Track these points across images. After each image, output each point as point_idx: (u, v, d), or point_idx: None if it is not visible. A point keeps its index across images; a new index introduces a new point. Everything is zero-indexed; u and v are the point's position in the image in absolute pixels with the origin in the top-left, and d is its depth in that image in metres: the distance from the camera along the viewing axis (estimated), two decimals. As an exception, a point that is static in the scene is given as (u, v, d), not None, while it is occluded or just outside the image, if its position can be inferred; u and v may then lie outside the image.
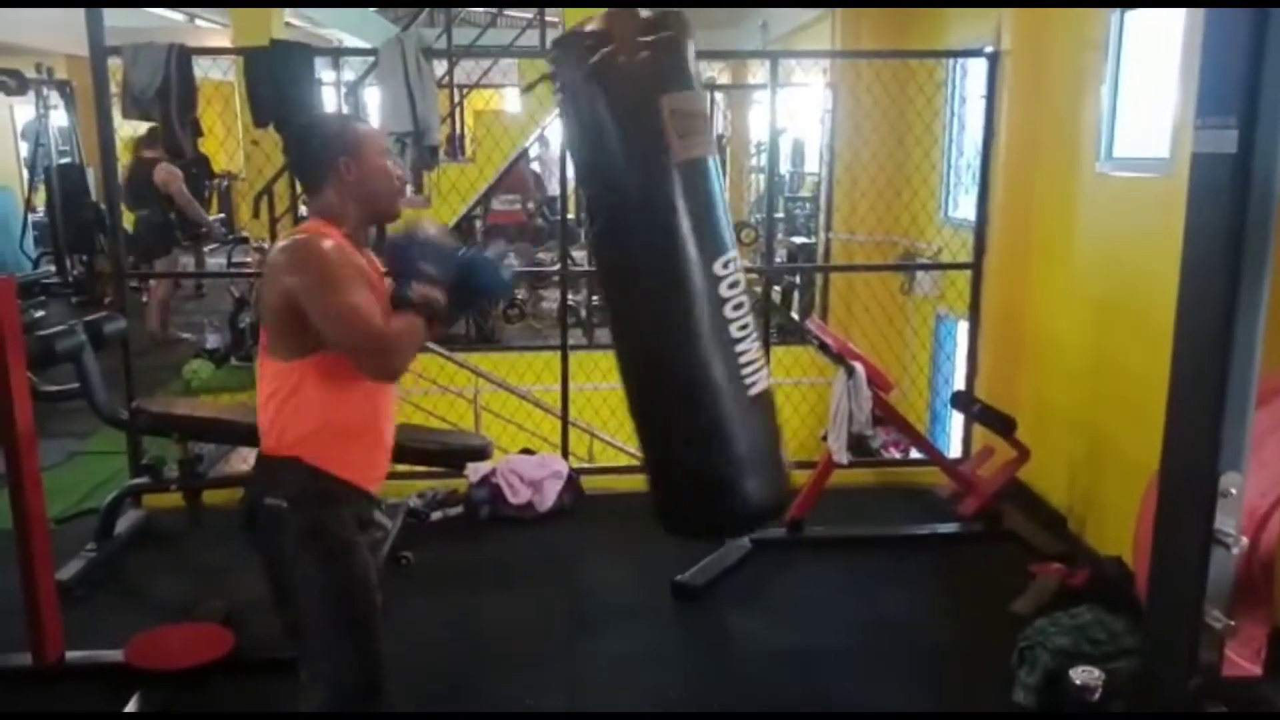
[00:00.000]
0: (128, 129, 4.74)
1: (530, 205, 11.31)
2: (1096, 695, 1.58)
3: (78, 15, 4.33)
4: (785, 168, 11.33)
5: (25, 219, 10.85)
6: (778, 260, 8.25)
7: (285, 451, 2.12)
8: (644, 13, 2.31)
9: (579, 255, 7.67)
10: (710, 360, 2.33)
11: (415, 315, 2.03)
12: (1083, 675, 1.58)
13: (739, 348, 2.30)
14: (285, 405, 2.11)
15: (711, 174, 2.36)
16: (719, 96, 11.40)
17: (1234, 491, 1.47)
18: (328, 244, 2.05)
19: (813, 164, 10.46)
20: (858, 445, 4.25)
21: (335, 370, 2.08)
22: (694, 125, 2.28)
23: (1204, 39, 1.47)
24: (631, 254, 2.38)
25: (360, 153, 2.14)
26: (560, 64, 2.36)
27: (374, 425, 2.22)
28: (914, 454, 5.13)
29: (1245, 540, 1.50)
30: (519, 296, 9.13)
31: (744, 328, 2.32)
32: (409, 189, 7.67)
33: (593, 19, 2.33)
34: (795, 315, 8.42)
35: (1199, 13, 3.26)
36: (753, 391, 2.32)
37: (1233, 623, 1.49)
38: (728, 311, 2.26)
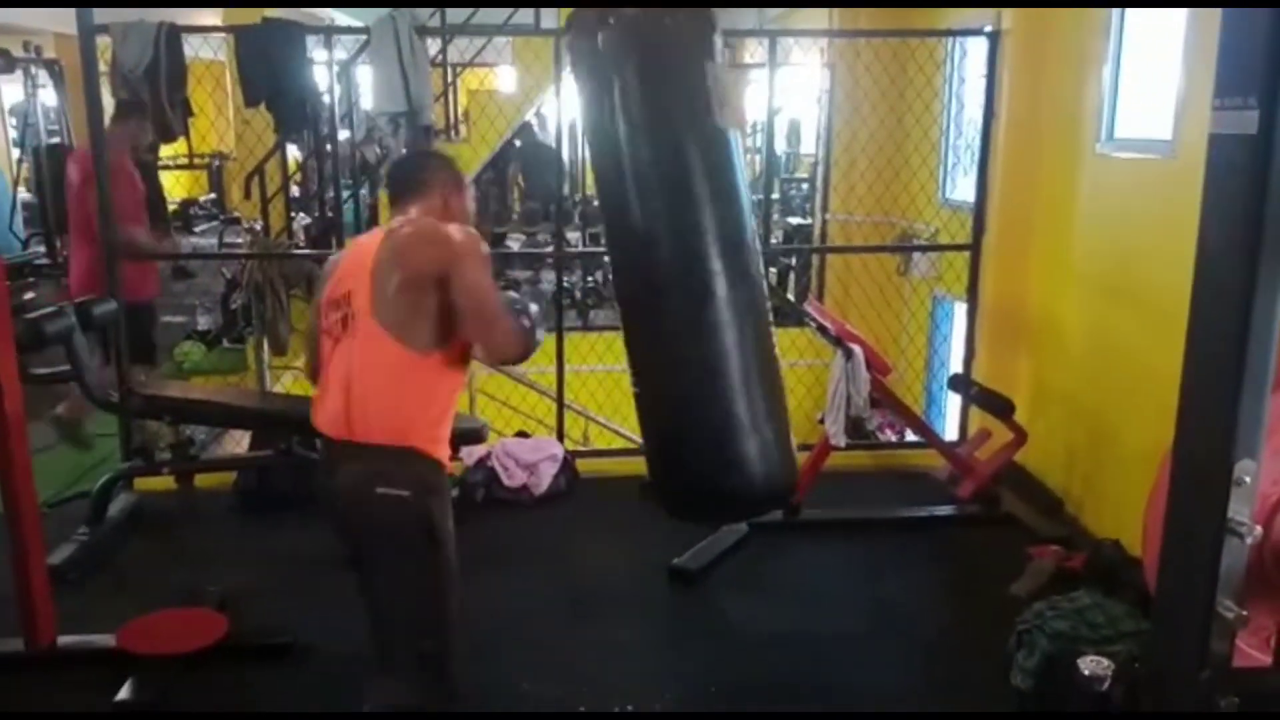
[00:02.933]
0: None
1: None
2: (1105, 685, 1.56)
3: (66, -8, 4.26)
4: (782, 148, 11.28)
5: (14, 200, 10.74)
6: (774, 241, 8.21)
7: (405, 441, 2.17)
8: None
9: (573, 236, 7.62)
10: None
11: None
12: (1091, 665, 1.57)
13: None
14: (413, 395, 2.17)
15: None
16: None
17: (1248, 480, 1.45)
18: (475, 234, 2.24)
19: (809, 145, 10.40)
20: (854, 428, 4.23)
21: (457, 358, 2.22)
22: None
23: (1223, 16, 1.43)
24: None
25: (463, 191, 2.43)
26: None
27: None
28: (910, 436, 5.12)
29: (1259, 529, 1.48)
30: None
31: None
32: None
33: None
34: (792, 297, 8.38)
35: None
36: None
37: (1244, 612, 1.47)
38: None
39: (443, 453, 2.26)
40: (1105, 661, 1.63)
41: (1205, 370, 1.48)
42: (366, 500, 2.17)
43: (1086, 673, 1.60)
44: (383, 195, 7.59)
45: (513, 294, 2.44)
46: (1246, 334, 1.40)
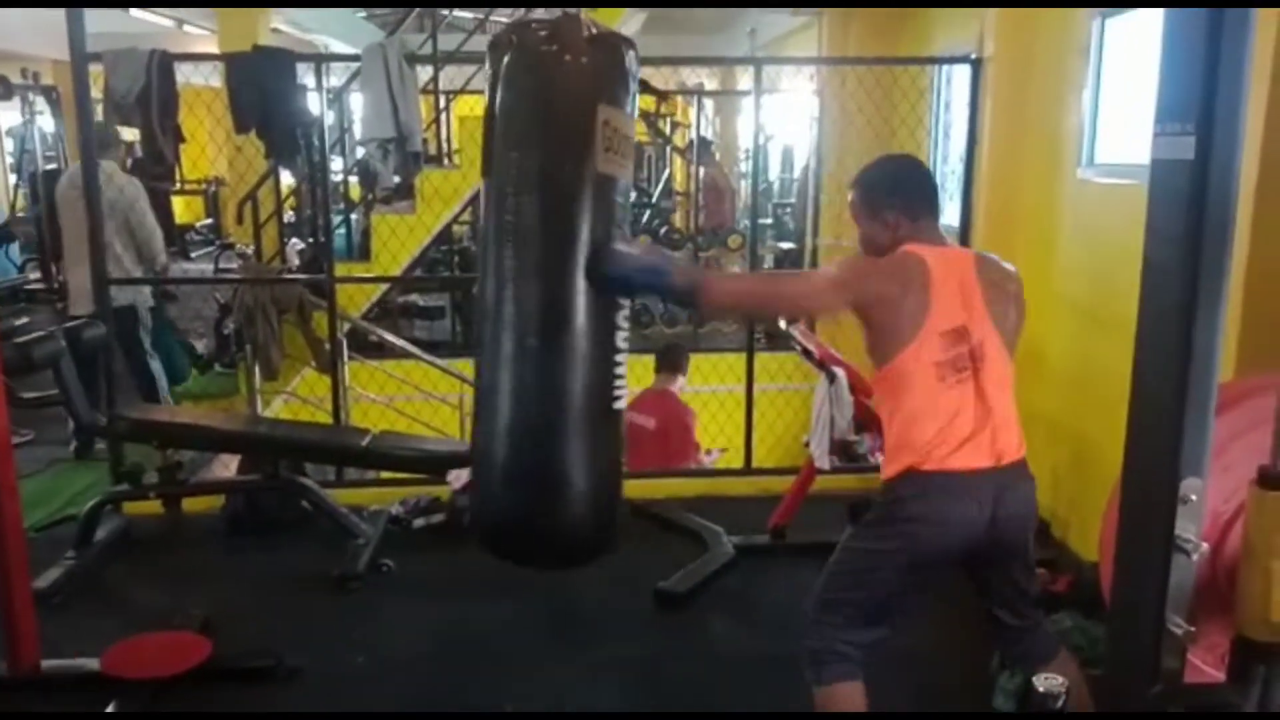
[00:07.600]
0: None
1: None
2: (1060, 703, 1.59)
3: (64, 20, 4.32)
4: (776, 174, 11.35)
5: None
6: (765, 266, 8.26)
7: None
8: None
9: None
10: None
11: None
12: (1046, 682, 1.59)
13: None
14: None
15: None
16: (707, 103, 11.42)
17: (1194, 498, 1.48)
18: None
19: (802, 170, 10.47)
20: (845, 451, 4.25)
21: None
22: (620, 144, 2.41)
23: (1162, 44, 1.47)
24: None
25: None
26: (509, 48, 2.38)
27: None
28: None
29: (1206, 546, 1.51)
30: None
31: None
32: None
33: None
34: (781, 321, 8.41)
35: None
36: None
37: (1193, 629, 1.50)
38: None
39: None
40: (1059, 679, 1.65)
41: (1151, 390, 1.52)
42: (1034, 506, 2.66)
43: (1041, 689, 1.63)
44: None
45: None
46: (1189, 354, 1.43)
